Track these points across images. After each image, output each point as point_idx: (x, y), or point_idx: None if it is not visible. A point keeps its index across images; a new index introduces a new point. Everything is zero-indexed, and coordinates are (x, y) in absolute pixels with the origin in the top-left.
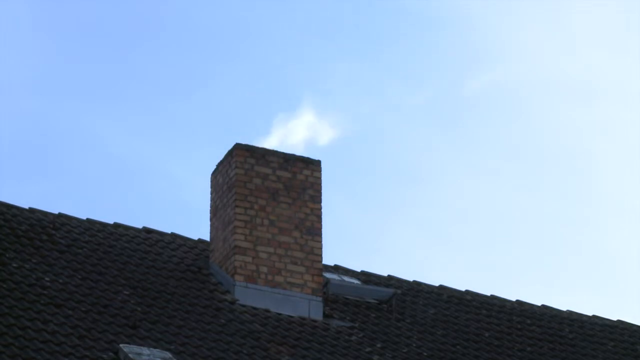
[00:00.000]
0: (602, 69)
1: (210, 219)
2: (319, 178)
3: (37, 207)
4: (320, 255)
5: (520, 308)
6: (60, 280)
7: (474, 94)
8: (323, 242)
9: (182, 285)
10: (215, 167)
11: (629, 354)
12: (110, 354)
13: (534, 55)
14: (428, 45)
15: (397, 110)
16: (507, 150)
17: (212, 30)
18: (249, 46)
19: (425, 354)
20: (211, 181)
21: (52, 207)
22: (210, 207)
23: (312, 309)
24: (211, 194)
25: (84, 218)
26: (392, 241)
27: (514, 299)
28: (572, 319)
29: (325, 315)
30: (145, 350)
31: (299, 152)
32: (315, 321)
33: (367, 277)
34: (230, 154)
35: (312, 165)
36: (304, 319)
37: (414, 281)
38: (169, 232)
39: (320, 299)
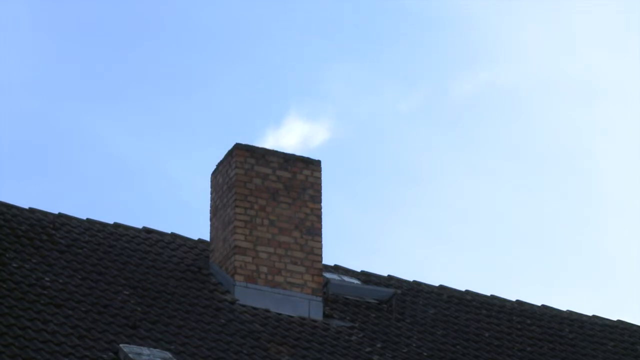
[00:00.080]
0: (602, 69)
1: (210, 219)
2: (319, 178)
3: (37, 207)
4: (320, 255)
5: (520, 308)
6: (60, 280)
7: (474, 94)
8: (323, 242)
9: (182, 285)
10: (215, 167)
11: (629, 354)
12: (110, 354)
13: (534, 55)
14: (428, 45)
15: (397, 110)
16: (507, 150)
17: (212, 30)
18: (249, 46)
19: (425, 354)
20: (211, 181)
21: (52, 207)
22: (210, 207)
23: (312, 309)
24: (211, 194)
25: (84, 218)
26: (392, 241)
27: (514, 299)
28: (572, 319)
29: (325, 315)
30: (145, 350)
31: (299, 152)
32: (315, 321)
33: (367, 277)
34: (230, 154)
35: (312, 165)
36: (304, 319)
37: (414, 281)
38: (169, 232)
39: (320, 299)
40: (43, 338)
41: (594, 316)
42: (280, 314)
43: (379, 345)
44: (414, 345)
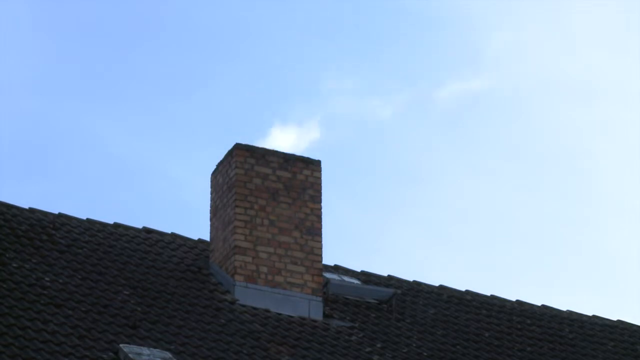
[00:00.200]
0: (602, 69)
1: (210, 219)
2: (319, 178)
3: (37, 207)
4: (320, 255)
5: (520, 308)
6: (60, 280)
7: (474, 93)
8: (323, 242)
9: (182, 285)
10: (215, 167)
11: (629, 354)
12: (110, 354)
13: (534, 55)
14: (428, 44)
15: (397, 110)
16: (507, 150)
17: (212, 30)
18: (249, 46)
19: (425, 354)
20: (211, 181)
21: (52, 207)
22: (210, 207)
23: (312, 309)
24: (211, 194)
25: (84, 218)
26: (392, 241)
27: (514, 299)
28: (572, 319)
29: (325, 315)
30: (145, 350)
31: (298, 152)
32: (315, 321)
33: (367, 277)
34: (230, 154)
35: (312, 165)
36: (304, 319)
37: (414, 281)
38: (169, 232)
39: (320, 299)
40: (43, 338)
41: (594, 316)
42: (280, 314)
43: (379, 345)
44: (414, 345)
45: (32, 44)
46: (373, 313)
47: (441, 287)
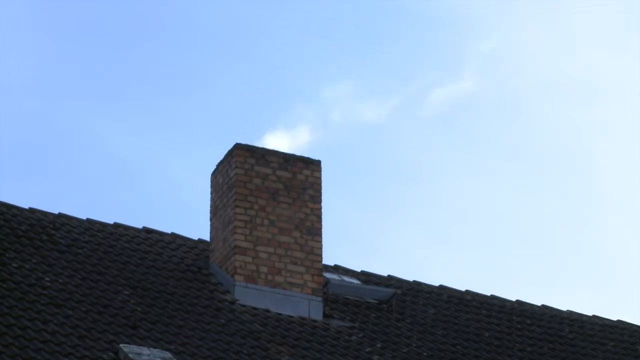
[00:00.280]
0: (602, 69)
1: (210, 219)
2: (319, 178)
3: (37, 207)
4: (320, 255)
5: (520, 308)
6: (60, 280)
7: (473, 93)
8: (323, 242)
9: (182, 285)
10: (215, 167)
11: (629, 354)
12: (110, 354)
13: (534, 55)
14: (427, 44)
15: (398, 109)
16: (507, 150)
17: (212, 30)
18: (249, 46)
19: (425, 354)
20: (211, 181)
21: (52, 207)
22: (210, 207)
23: (312, 309)
24: (211, 194)
25: (84, 218)
26: (392, 241)
27: (514, 299)
28: (572, 319)
29: (325, 315)
30: (145, 350)
31: (299, 152)
32: (315, 321)
33: (367, 277)
34: (230, 154)
35: (312, 165)
36: (304, 319)
37: (414, 281)
38: (169, 232)
39: (320, 299)
40: (43, 338)
41: (594, 316)
42: (280, 314)
43: (379, 345)
44: (414, 345)
45: (32, 44)
46: (373, 313)
47: (441, 287)
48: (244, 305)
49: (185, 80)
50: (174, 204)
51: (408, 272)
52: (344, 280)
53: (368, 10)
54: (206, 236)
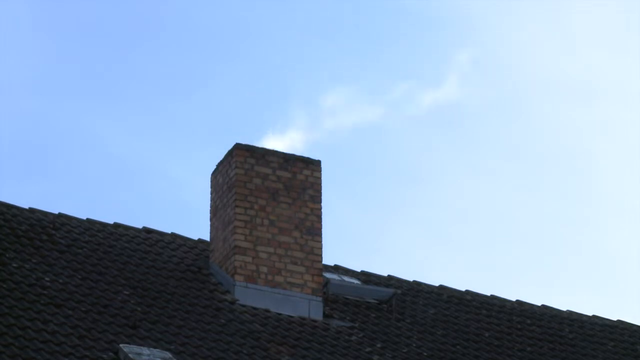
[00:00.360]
0: (602, 69)
1: (210, 219)
2: (319, 178)
3: (37, 207)
4: (320, 255)
5: (520, 308)
6: (60, 280)
7: (473, 94)
8: (323, 242)
9: (182, 285)
10: (215, 167)
11: (629, 354)
12: (110, 354)
13: (534, 55)
14: (427, 44)
15: (397, 110)
16: (507, 150)
17: (212, 30)
18: (249, 46)
19: (425, 354)
20: (211, 181)
21: (52, 207)
22: (210, 207)
23: (312, 309)
24: (211, 194)
25: (84, 218)
26: (392, 241)
27: (514, 299)
28: (572, 319)
29: (325, 315)
30: (145, 350)
31: (298, 152)
32: (315, 321)
33: (367, 277)
34: (230, 154)
35: (312, 165)
36: (304, 319)
37: (414, 281)
38: (169, 232)
39: (320, 299)
40: (43, 338)
41: (594, 316)
42: (280, 314)
43: (379, 345)
44: (414, 345)
45: (32, 44)
46: (373, 313)
47: (441, 287)
48: (244, 305)
49: (185, 80)
50: (174, 204)
51: (408, 272)
52: (344, 280)
53: (368, 10)
54: (206, 236)
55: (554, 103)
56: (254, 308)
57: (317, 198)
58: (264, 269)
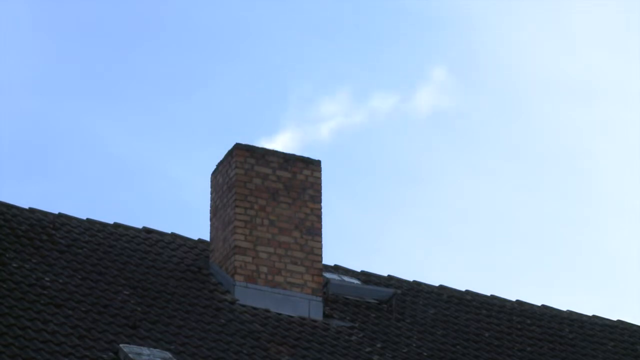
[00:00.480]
0: (602, 69)
1: (210, 219)
2: (319, 178)
3: (37, 207)
4: (320, 255)
5: (520, 308)
6: (60, 280)
7: (473, 93)
8: (323, 242)
9: (182, 285)
10: (215, 167)
11: (629, 354)
12: (110, 354)
13: (534, 55)
14: (428, 45)
15: (397, 109)
16: (507, 150)
17: (212, 30)
18: (249, 46)
19: (425, 354)
20: (211, 181)
21: (52, 207)
22: (210, 207)
23: (312, 309)
24: (211, 194)
25: (84, 218)
26: (392, 241)
27: (514, 299)
28: (572, 319)
29: (325, 315)
30: (145, 350)
31: (298, 152)
32: (315, 321)
33: (367, 277)
34: (230, 154)
35: (312, 165)
36: (304, 319)
37: (414, 281)
38: (169, 232)
39: (320, 299)
40: (43, 338)
41: (594, 316)
42: (280, 314)
43: (379, 345)
44: (414, 345)
45: (32, 44)
46: (373, 313)
47: (441, 287)
48: (244, 305)
49: (185, 80)
50: (174, 204)
51: (408, 272)
52: (344, 280)
53: (368, 10)
54: (206, 236)
55: (554, 103)
56: (254, 308)
57: (317, 198)
58: (264, 269)
